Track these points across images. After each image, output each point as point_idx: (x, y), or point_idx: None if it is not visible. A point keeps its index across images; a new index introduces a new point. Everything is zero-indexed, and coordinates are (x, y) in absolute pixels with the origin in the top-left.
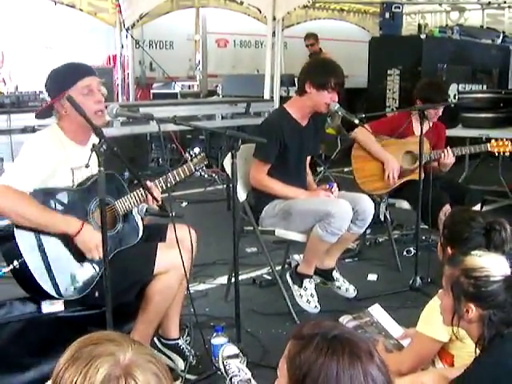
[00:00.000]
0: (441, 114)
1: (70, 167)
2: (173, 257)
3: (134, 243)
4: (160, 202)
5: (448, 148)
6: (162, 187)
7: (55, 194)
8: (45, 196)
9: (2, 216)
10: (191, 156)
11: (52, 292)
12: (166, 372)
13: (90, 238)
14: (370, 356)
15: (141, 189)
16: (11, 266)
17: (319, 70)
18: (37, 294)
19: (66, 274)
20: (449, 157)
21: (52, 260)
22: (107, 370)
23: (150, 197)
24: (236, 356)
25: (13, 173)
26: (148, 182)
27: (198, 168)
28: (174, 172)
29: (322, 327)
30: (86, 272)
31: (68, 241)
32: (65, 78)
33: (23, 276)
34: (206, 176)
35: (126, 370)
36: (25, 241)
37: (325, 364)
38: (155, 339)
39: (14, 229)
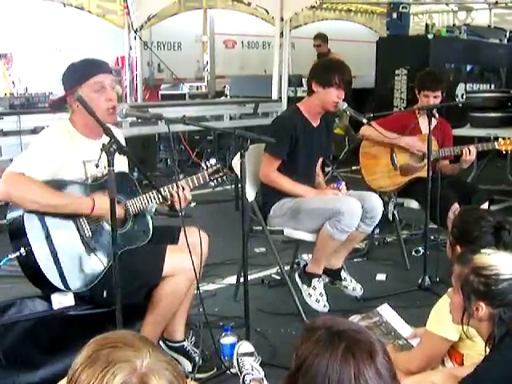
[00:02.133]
0: (438, 101)
1: (82, 160)
2: (181, 260)
3: (143, 244)
4: (170, 202)
5: (470, 146)
6: (170, 192)
7: (67, 187)
8: (56, 188)
9: (18, 205)
10: (207, 166)
11: (57, 283)
12: (181, 379)
13: (106, 206)
14: (368, 357)
15: (154, 191)
16: (17, 253)
17: (323, 68)
18: (43, 286)
19: (73, 265)
20: (471, 154)
21: (59, 250)
22: (124, 377)
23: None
24: (251, 354)
25: (22, 162)
26: (180, 182)
27: (212, 178)
28: (189, 179)
29: (333, 321)
30: (93, 264)
31: (76, 231)
32: (80, 72)
33: (29, 266)
34: None
35: (142, 379)
36: (34, 230)
37: (318, 355)
38: (160, 342)
39: (24, 217)
